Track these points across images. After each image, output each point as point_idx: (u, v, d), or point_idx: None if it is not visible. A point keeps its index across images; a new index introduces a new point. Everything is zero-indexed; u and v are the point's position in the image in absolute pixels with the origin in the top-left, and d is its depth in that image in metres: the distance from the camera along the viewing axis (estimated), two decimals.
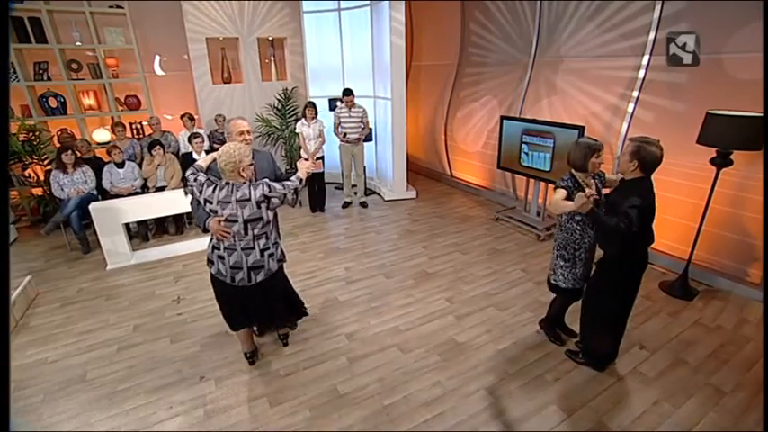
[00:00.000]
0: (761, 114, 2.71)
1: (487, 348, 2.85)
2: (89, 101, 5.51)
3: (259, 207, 2.25)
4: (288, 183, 2.36)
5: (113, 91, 5.56)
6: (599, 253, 2.46)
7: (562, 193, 2.38)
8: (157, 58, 5.87)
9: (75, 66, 5.32)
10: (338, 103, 5.83)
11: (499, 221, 5.01)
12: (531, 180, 4.68)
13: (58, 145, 5.20)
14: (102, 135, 5.61)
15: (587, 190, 2.22)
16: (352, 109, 5.28)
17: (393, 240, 4.62)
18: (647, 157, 2.12)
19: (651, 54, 3.60)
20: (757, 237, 3.16)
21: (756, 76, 2.99)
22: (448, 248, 4.36)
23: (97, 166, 4.90)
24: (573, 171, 2.47)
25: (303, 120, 5.22)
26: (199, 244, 4.54)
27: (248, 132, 2.57)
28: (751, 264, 3.26)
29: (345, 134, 5.29)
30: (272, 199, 2.29)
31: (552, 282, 2.70)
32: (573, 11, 4.22)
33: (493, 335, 2.98)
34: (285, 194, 2.33)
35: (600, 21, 3.99)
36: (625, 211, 2.10)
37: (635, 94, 3.74)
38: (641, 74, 3.68)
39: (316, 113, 5.22)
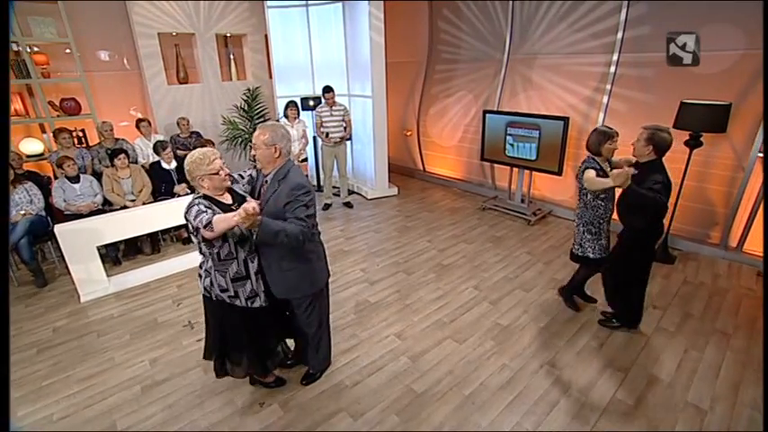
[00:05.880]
0: (726, 103, 3.28)
1: (531, 327, 3.03)
2: (14, 105, 4.57)
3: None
4: (202, 215, 1.84)
5: (45, 93, 4.68)
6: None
7: (593, 172, 2.63)
8: None
9: None
10: (311, 102, 5.64)
11: (486, 210, 5.29)
12: (515, 170, 5.02)
13: None
14: (32, 146, 4.71)
15: (626, 167, 2.50)
16: (334, 107, 5.14)
17: (395, 238, 4.62)
18: (660, 142, 2.46)
19: (620, 51, 4.09)
20: (718, 204, 3.81)
21: (710, 71, 3.59)
22: (451, 240, 4.49)
23: (36, 182, 4.12)
24: (590, 155, 2.74)
25: (285, 120, 4.95)
26: (183, 262, 4.08)
27: (254, 146, 2.06)
28: (712, 228, 3.91)
29: (328, 134, 5.13)
30: (188, 224, 1.93)
31: (580, 254, 2.95)
32: (545, 11, 4.60)
33: (531, 315, 3.17)
34: (190, 224, 1.91)
35: (571, 21, 4.42)
36: (650, 187, 2.40)
37: (608, 87, 4.23)
38: (612, 69, 4.17)
39: (298, 113, 4.98)
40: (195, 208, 1.89)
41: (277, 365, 2.46)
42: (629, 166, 2.66)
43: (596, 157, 2.73)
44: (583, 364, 2.66)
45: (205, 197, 1.99)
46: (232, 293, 2.08)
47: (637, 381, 2.50)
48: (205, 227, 1.82)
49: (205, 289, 2.11)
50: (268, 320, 2.26)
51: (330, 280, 3.65)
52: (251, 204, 1.74)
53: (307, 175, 5.21)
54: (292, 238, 1.93)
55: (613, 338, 2.89)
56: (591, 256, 2.89)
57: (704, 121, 3.34)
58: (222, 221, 1.81)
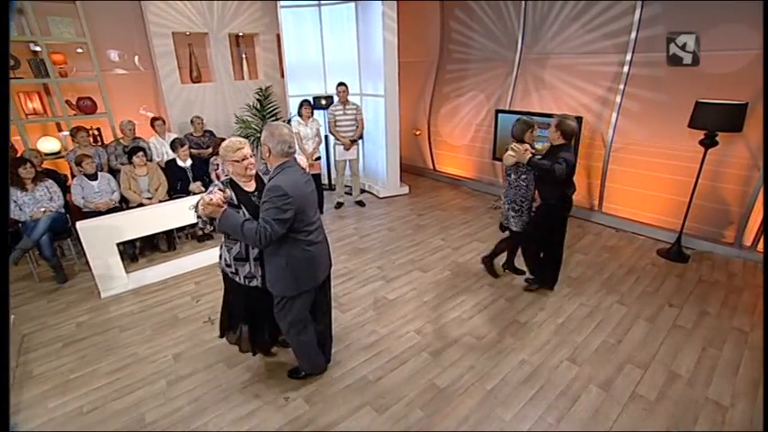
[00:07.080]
0: (742, 102, 3.29)
1: (549, 324, 3.05)
2: (33, 104, 4.63)
3: None
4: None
5: (62, 92, 4.74)
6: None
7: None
8: None
9: (11, 62, 4.43)
10: (323, 101, 5.67)
11: (498, 209, 5.31)
12: None
13: None
14: (50, 144, 4.78)
15: (523, 146, 2.93)
16: (347, 106, 5.18)
17: (409, 236, 4.65)
18: (566, 128, 2.89)
19: (633, 51, 4.11)
20: (732, 204, 3.82)
21: (725, 70, 3.61)
22: (465, 239, 4.52)
23: (54, 180, 4.17)
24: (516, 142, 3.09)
25: (299, 118, 4.99)
26: (199, 259, 4.12)
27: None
28: (726, 227, 3.92)
29: (346, 137, 5.17)
30: None
31: (506, 226, 3.42)
32: (557, 12, 4.63)
33: (548, 312, 3.20)
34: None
35: (584, 21, 4.44)
36: (556, 161, 2.82)
37: (621, 86, 4.25)
38: (626, 69, 4.19)
39: (312, 112, 5.02)
40: (209, 189, 2.15)
41: (266, 344, 2.68)
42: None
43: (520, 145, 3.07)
44: (601, 359, 2.68)
45: (231, 180, 2.23)
46: (233, 270, 2.32)
47: (656, 377, 2.53)
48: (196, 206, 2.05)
49: (218, 260, 2.38)
50: (266, 300, 2.35)
51: (347, 277, 3.78)
52: (212, 195, 1.96)
53: (319, 174, 5.24)
54: (249, 237, 1.97)
55: (631, 334, 2.91)
56: (514, 228, 3.33)
57: (720, 120, 3.36)
58: (200, 204, 1.99)
